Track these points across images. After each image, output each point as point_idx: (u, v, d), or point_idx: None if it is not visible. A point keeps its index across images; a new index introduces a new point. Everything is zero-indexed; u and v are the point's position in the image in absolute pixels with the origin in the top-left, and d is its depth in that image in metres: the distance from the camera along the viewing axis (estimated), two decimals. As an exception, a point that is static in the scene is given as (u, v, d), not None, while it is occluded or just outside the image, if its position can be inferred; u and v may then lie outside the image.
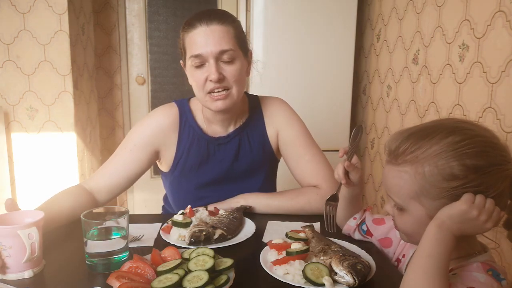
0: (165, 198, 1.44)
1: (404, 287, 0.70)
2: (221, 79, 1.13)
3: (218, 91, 1.15)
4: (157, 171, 2.96)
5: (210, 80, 1.13)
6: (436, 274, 0.67)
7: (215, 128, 1.29)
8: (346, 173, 0.96)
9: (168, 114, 1.28)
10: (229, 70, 1.14)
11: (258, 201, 1.23)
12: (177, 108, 1.29)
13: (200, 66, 1.14)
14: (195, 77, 1.16)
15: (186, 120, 1.28)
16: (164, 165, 1.32)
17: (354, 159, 0.96)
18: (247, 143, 1.30)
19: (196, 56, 1.13)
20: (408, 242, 0.88)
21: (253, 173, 1.31)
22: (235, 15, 1.36)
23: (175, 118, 1.28)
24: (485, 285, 0.70)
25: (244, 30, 1.25)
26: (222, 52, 1.12)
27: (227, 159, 1.29)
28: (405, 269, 0.92)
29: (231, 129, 1.29)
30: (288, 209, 1.22)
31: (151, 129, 1.26)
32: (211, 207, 1.17)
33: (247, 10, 3.04)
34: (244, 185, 1.30)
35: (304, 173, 1.28)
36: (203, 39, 1.12)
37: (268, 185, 1.36)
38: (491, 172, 0.71)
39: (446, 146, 0.72)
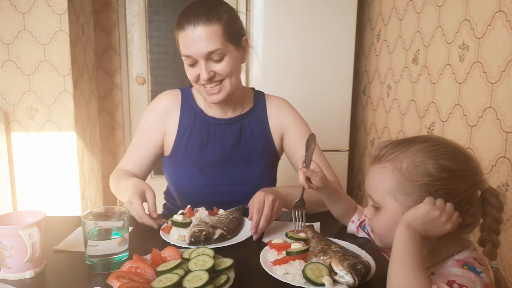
0: (167, 192, 1.45)
1: (391, 286, 0.72)
2: (212, 77, 1.20)
3: (211, 86, 1.22)
4: (157, 171, 2.97)
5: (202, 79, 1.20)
6: (416, 267, 0.72)
7: (215, 111, 1.34)
8: (308, 178, 1.03)
9: (170, 96, 1.36)
10: (219, 67, 1.19)
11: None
12: (179, 92, 1.38)
13: (192, 64, 1.21)
14: (189, 73, 1.23)
15: (188, 102, 1.35)
16: (166, 148, 1.36)
17: (312, 165, 1.05)
18: (249, 130, 1.34)
19: (187, 56, 1.19)
20: (382, 246, 0.91)
21: (253, 160, 1.34)
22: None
23: (177, 100, 1.35)
24: (463, 277, 0.74)
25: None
26: (210, 53, 1.17)
27: (228, 142, 1.32)
28: None
29: (230, 113, 1.34)
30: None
31: (156, 111, 1.35)
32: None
33: (247, 10, 3.04)
34: (244, 171, 1.33)
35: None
36: (191, 41, 1.17)
37: (267, 176, 1.38)
38: (460, 176, 0.78)
39: (424, 147, 0.81)
